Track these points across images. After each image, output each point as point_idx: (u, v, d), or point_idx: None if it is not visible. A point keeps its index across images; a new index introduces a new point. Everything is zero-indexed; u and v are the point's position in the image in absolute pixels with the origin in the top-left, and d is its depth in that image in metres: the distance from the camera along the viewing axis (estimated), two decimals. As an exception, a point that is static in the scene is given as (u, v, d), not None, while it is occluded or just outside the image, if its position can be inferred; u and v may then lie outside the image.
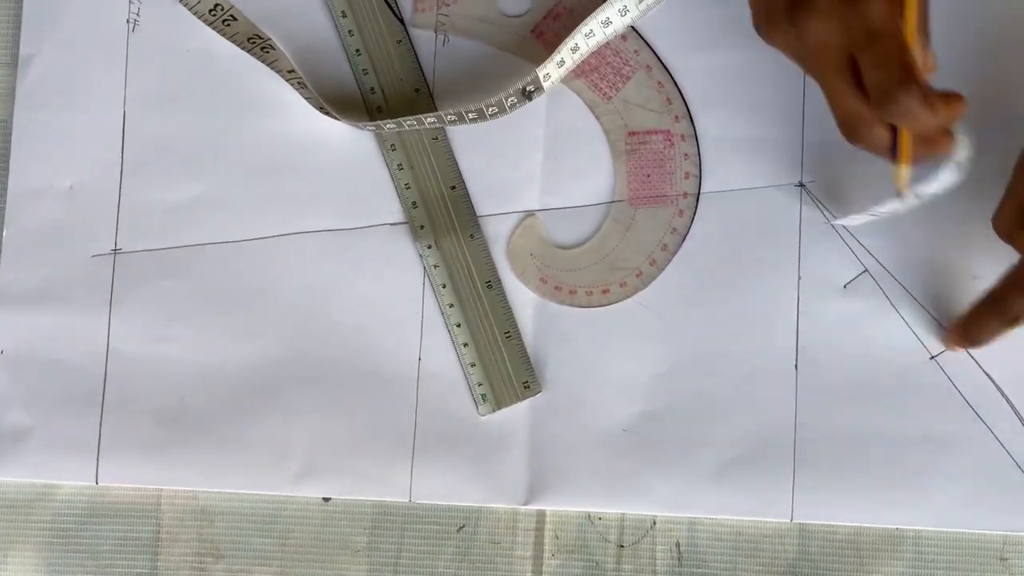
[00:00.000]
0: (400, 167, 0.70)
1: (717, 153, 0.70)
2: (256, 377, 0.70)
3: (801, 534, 0.68)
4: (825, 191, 0.68)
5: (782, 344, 0.69)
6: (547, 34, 0.70)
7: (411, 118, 0.68)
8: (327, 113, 0.69)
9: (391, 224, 0.70)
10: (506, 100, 0.68)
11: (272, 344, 0.70)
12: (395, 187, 0.70)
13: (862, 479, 0.67)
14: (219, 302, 0.70)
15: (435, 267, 0.70)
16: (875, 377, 0.68)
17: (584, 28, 0.68)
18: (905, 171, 0.61)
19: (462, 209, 0.70)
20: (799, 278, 0.69)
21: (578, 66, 0.70)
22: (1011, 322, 0.62)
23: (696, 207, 0.69)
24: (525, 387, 0.69)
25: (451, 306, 0.69)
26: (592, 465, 0.68)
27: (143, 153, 0.71)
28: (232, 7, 0.71)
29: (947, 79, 0.59)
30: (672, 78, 0.70)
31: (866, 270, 0.68)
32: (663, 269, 0.69)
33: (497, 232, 0.70)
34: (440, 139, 0.70)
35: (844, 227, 0.67)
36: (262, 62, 0.70)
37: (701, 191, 0.70)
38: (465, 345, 0.69)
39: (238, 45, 0.70)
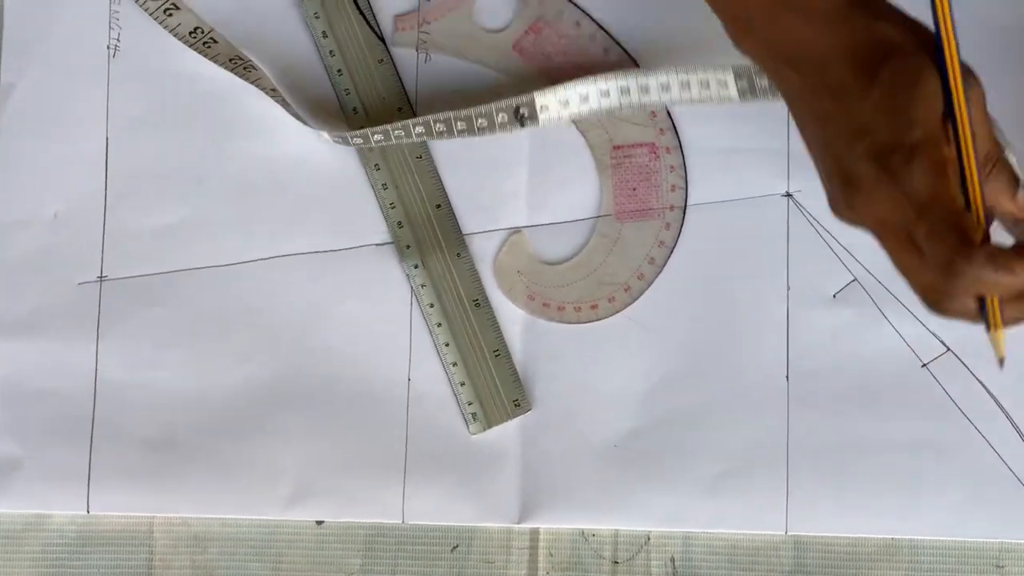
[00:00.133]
0: (385, 186, 0.70)
1: (703, 165, 0.69)
2: (245, 401, 0.69)
3: (797, 546, 0.68)
4: (813, 201, 0.68)
5: (772, 355, 0.68)
6: (529, 49, 0.70)
7: (399, 126, 0.67)
8: (313, 127, 0.69)
9: (377, 244, 0.70)
10: (496, 115, 0.68)
11: (260, 368, 0.69)
12: (380, 207, 0.70)
13: (856, 489, 0.67)
14: (206, 327, 0.70)
15: (422, 286, 0.69)
16: (867, 386, 0.68)
17: (603, 84, 0.67)
18: (1001, 337, 0.54)
19: (448, 227, 0.70)
20: (788, 288, 0.68)
21: (562, 81, 0.69)
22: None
23: (683, 219, 0.69)
24: (515, 405, 0.69)
25: (439, 325, 0.69)
26: (585, 481, 0.68)
27: (127, 179, 0.71)
28: (212, 30, 0.70)
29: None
30: (656, 90, 0.70)
31: (855, 279, 0.68)
32: (651, 283, 0.69)
33: (484, 250, 0.70)
34: (424, 157, 0.70)
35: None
36: (245, 80, 0.69)
37: (688, 203, 0.69)
38: (454, 364, 0.69)
39: (220, 65, 0.70)
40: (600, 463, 0.68)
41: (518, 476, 0.68)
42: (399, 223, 0.70)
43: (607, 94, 0.68)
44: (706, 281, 0.69)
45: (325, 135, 0.69)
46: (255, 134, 0.70)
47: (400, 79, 0.70)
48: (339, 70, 0.70)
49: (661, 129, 0.69)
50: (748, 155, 0.69)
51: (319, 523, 0.69)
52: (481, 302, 0.69)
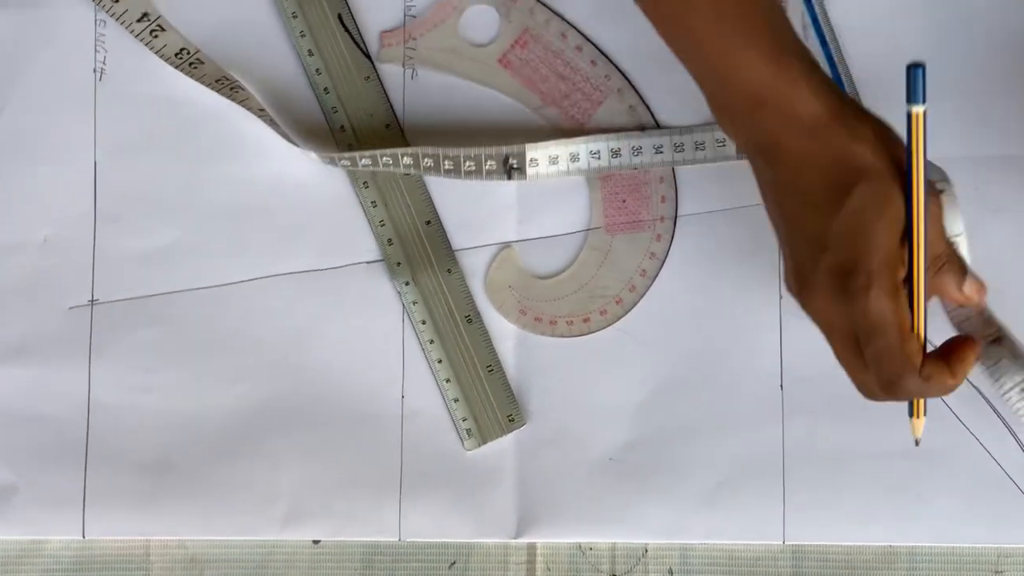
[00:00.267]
0: (374, 204, 0.70)
1: (693, 175, 0.69)
2: (239, 422, 0.69)
3: (795, 555, 0.67)
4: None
5: (766, 364, 0.68)
6: (515, 63, 0.70)
7: (387, 154, 0.67)
8: (301, 147, 0.69)
9: (367, 262, 0.70)
10: (485, 161, 0.68)
11: (254, 389, 0.69)
12: (370, 225, 0.70)
13: (853, 497, 0.67)
14: (199, 349, 0.70)
15: (414, 304, 0.69)
16: (862, 393, 0.68)
17: (593, 145, 0.68)
18: (921, 423, 0.59)
19: (438, 244, 0.69)
20: (780, 296, 0.68)
21: (550, 93, 0.69)
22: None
23: (674, 230, 0.69)
24: (510, 420, 0.68)
25: (431, 342, 0.69)
26: (581, 495, 0.68)
27: (116, 202, 0.71)
28: (198, 51, 0.70)
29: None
30: (644, 101, 0.69)
31: (847, 286, 0.68)
32: (643, 295, 0.69)
33: (474, 265, 0.70)
34: (413, 174, 0.70)
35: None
36: (232, 101, 0.69)
37: (678, 214, 0.69)
38: (447, 381, 0.69)
39: (207, 87, 0.70)
40: (596, 476, 0.68)
41: (514, 491, 0.68)
42: (389, 240, 0.70)
43: (597, 155, 0.68)
44: (698, 291, 0.69)
45: (313, 155, 0.69)
46: (243, 154, 0.70)
47: (387, 96, 0.70)
48: (326, 88, 0.70)
49: (649, 140, 0.69)
50: (737, 164, 0.69)
51: (316, 543, 0.69)
52: (473, 318, 0.69)
